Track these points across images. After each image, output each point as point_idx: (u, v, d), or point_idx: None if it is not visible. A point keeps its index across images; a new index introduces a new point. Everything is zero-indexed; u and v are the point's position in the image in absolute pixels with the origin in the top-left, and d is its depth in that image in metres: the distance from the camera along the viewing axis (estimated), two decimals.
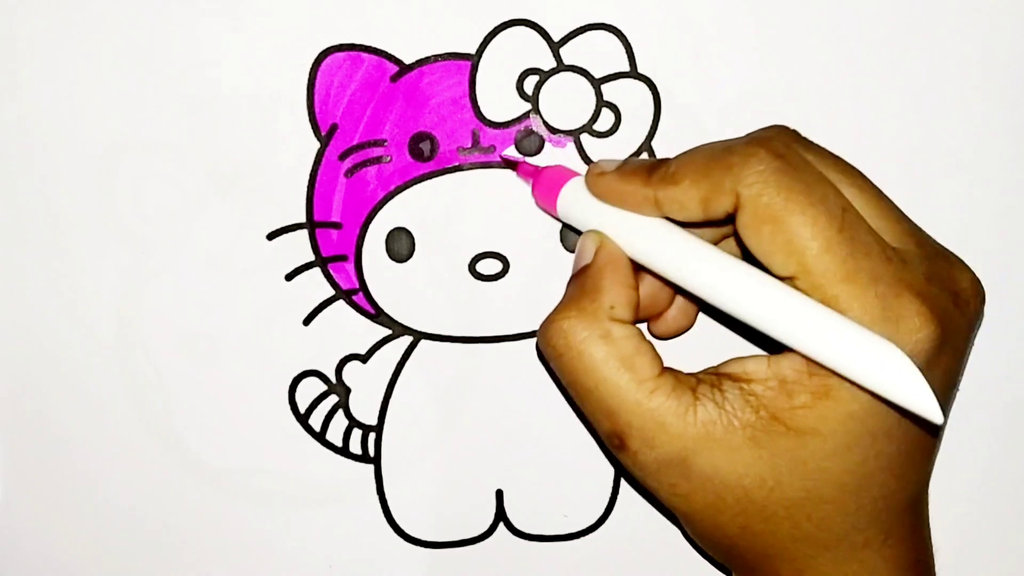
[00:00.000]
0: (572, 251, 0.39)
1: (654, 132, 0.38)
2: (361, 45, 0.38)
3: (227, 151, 0.38)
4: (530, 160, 0.38)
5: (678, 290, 0.36)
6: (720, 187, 0.31)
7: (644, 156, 0.38)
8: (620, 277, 0.33)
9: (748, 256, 0.31)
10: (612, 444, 0.32)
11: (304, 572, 0.40)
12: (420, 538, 0.40)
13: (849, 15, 0.38)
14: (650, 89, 0.38)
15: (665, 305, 0.37)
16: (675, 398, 0.31)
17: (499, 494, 0.40)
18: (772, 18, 0.38)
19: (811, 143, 0.33)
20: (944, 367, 0.31)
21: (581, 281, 0.33)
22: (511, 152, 0.38)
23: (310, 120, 0.38)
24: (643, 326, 0.38)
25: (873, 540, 0.32)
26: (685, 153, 0.32)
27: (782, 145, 0.31)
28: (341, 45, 0.38)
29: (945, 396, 0.32)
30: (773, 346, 0.31)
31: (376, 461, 0.40)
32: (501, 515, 0.40)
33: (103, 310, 0.39)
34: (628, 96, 0.38)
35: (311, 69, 0.38)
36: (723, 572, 0.40)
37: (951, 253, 0.33)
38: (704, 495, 0.32)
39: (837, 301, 0.30)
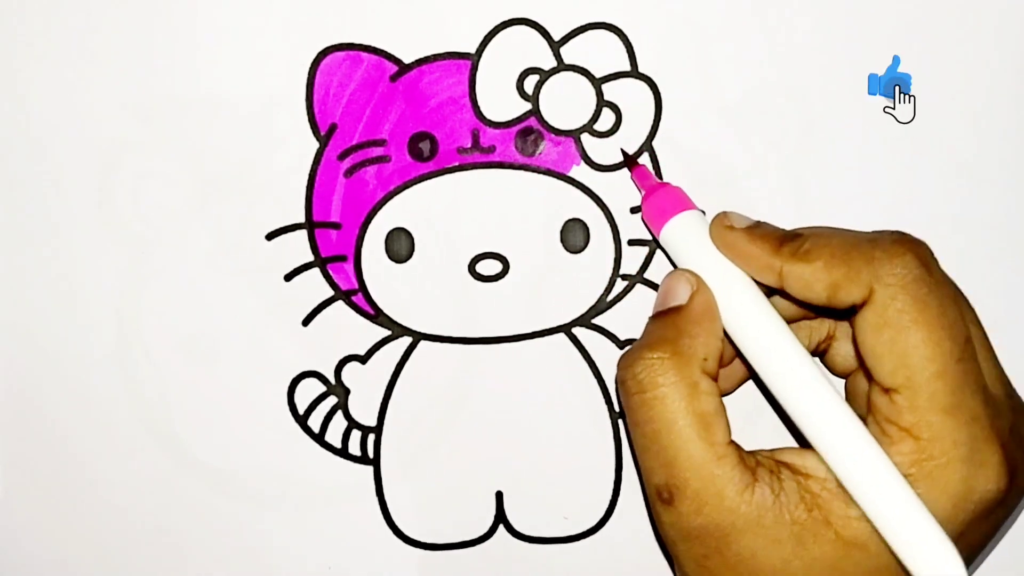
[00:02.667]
0: (572, 251, 0.39)
1: (655, 132, 0.38)
2: (361, 45, 0.38)
3: (227, 151, 0.38)
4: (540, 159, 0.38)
5: None
6: (856, 277, 0.30)
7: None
8: (715, 329, 0.32)
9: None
10: (660, 497, 0.32)
11: (303, 573, 0.40)
12: (419, 540, 0.40)
13: (849, 15, 0.38)
14: (651, 89, 0.38)
15: (728, 360, 0.36)
16: (739, 472, 0.31)
17: (499, 496, 0.40)
18: (773, 18, 0.38)
19: (938, 263, 0.32)
20: (994, 520, 0.31)
21: (675, 321, 0.32)
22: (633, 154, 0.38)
23: (309, 120, 0.38)
24: None
25: None
26: (821, 233, 0.32)
27: (929, 253, 0.31)
28: (341, 45, 0.38)
29: (983, 549, 0.32)
30: None
31: (375, 462, 0.40)
32: (501, 517, 0.40)
33: (103, 310, 0.39)
34: (629, 96, 0.38)
35: (311, 69, 0.38)
36: None
37: None
38: (732, 574, 0.31)
39: (931, 427, 0.29)
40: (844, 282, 0.30)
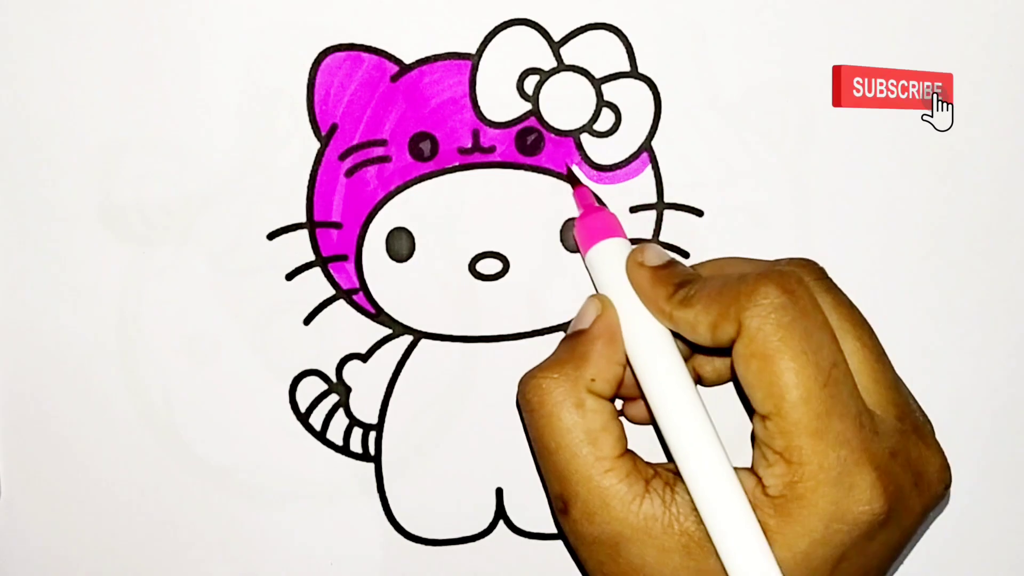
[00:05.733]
0: (572, 250, 0.39)
1: (654, 132, 0.38)
2: (361, 45, 0.38)
3: (227, 151, 0.38)
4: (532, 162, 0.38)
5: None
6: (727, 314, 0.31)
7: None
8: (609, 352, 0.34)
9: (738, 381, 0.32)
10: (556, 506, 0.34)
11: (305, 570, 0.40)
12: (420, 535, 0.40)
13: (850, 14, 0.38)
14: (650, 89, 0.38)
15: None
16: (627, 484, 0.32)
17: (499, 492, 0.40)
18: (773, 18, 0.38)
19: (832, 285, 0.34)
20: (883, 541, 0.32)
21: (572, 344, 0.34)
22: (578, 170, 0.38)
23: (310, 120, 0.38)
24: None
25: None
26: (706, 278, 0.33)
27: (795, 282, 0.32)
28: (341, 45, 0.38)
29: (881, 570, 0.33)
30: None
31: (376, 459, 0.40)
32: (501, 513, 0.40)
33: (103, 310, 0.39)
34: (628, 96, 0.38)
35: (311, 69, 0.38)
36: None
37: (930, 434, 0.34)
38: None
39: (800, 451, 0.30)
40: (719, 321, 0.32)
